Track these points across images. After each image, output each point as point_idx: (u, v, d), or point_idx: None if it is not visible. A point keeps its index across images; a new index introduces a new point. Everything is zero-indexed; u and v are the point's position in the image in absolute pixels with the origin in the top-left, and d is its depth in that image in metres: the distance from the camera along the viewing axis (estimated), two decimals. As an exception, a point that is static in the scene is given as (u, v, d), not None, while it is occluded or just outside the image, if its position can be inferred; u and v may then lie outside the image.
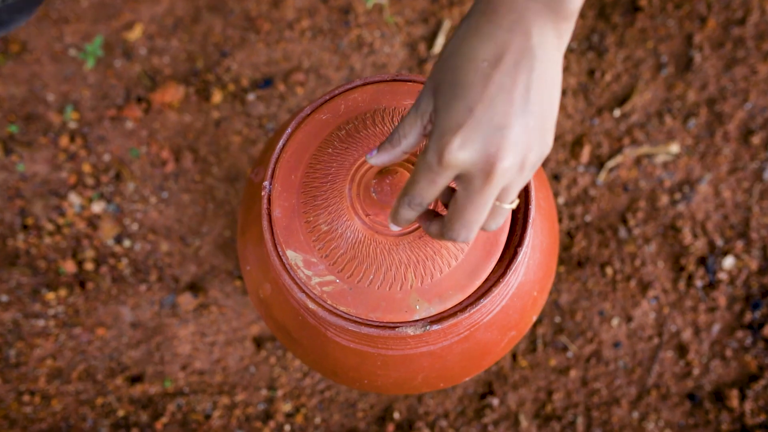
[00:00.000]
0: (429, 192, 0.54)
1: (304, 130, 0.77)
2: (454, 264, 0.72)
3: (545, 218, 0.85)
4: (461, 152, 0.49)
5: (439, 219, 0.60)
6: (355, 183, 0.72)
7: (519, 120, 0.49)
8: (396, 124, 0.66)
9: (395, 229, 0.65)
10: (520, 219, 0.74)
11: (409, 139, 0.55)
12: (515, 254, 0.73)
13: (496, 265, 0.73)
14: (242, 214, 0.89)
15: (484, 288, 0.73)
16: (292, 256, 0.72)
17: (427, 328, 0.72)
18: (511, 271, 0.73)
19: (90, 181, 1.14)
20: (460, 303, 0.73)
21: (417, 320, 0.72)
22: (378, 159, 0.59)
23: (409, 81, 0.75)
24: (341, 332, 0.77)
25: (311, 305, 0.72)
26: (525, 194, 0.74)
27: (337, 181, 0.72)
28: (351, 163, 0.72)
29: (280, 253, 0.73)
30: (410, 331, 0.72)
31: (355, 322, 0.72)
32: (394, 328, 0.72)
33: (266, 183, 0.75)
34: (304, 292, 0.73)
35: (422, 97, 0.53)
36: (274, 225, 0.74)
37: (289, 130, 0.77)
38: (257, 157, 0.94)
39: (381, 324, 0.72)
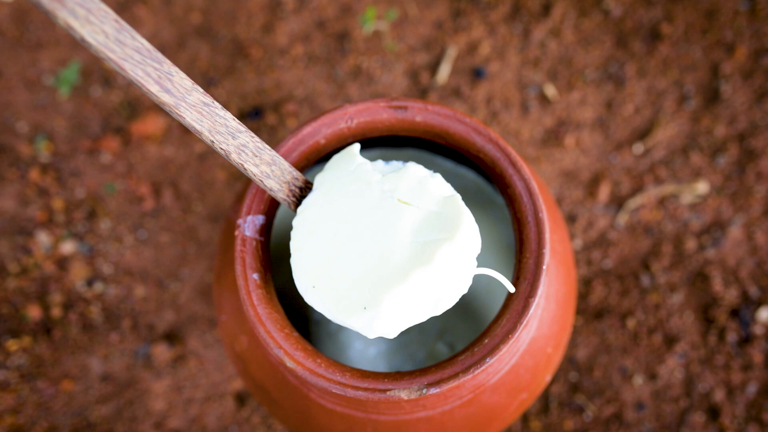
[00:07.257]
0: None
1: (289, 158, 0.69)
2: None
3: (560, 264, 0.75)
4: None
5: None
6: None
7: None
8: None
9: None
10: (531, 265, 0.64)
11: None
12: (526, 306, 0.63)
13: (505, 318, 0.63)
14: (218, 257, 0.79)
15: (490, 345, 0.63)
16: (266, 306, 0.62)
17: (424, 391, 0.61)
18: (522, 325, 0.63)
19: (61, 218, 1.04)
20: (462, 362, 0.62)
21: (412, 381, 0.62)
22: None
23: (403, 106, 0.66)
24: (325, 394, 0.67)
25: (289, 363, 0.62)
26: (538, 236, 0.64)
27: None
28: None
29: (255, 302, 0.63)
30: (404, 395, 0.62)
31: (339, 383, 0.62)
32: (385, 391, 0.61)
33: (240, 221, 0.66)
34: (281, 347, 0.62)
35: None
36: (248, 269, 0.65)
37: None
38: (238, 193, 0.85)
39: (370, 387, 0.61)
